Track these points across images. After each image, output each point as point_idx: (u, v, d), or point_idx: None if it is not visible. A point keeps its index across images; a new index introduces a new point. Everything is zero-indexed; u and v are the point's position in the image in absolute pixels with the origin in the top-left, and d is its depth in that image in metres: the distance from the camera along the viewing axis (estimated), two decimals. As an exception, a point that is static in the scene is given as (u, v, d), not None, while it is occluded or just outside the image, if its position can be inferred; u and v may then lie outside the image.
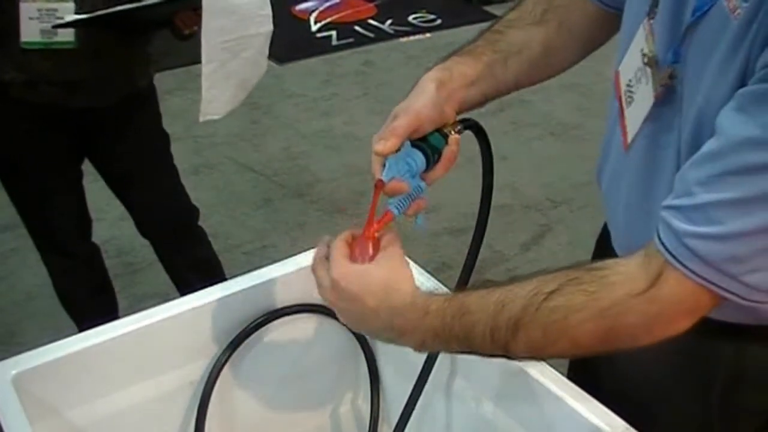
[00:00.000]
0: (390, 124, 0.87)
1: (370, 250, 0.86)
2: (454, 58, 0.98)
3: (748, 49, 0.68)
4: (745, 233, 0.67)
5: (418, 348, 0.83)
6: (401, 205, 0.88)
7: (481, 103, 0.99)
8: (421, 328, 0.80)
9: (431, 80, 0.93)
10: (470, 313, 0.78)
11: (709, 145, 0.70)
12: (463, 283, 0.96)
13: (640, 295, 0.71)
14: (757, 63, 0.67)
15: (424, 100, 0.90)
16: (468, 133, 0.94)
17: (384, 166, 0.87)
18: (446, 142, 0.90)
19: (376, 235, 0.86)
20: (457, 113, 0.95)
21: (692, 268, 0.69)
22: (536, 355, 0.80)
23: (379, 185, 0.85)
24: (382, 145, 0.85)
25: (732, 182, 0.67)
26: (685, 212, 0.70)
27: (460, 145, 0.91)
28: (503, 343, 0.76)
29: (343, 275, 0.83)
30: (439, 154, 0.89)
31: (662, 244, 0.71)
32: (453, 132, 0.91)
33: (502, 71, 0.98)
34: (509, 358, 0.79)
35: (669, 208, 0.72)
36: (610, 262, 0.75)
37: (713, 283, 0.69)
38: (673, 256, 0.70)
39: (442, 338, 0.80)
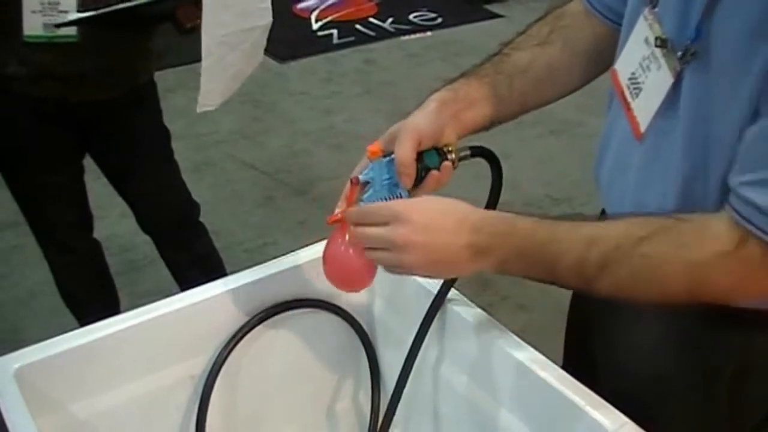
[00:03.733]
0: (396, 150, 0.88)
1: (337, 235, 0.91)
2: (460, 79, 0.98)
3: None
4: None
5: (498, 268, 0.82)
6: None
7: (486, 126, 0.99)
8: (506, 245, 0.80)
9: (434, 100, 0.94)
10: (559, 241, 0.79)
11: None
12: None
13: (729, 255, 0.74)
14: None
15: (423, 117, 0.91)
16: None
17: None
18: (440, 163, 0.90)
19: (334, 218, 0.90)
20: (461, 136, 0.95)
21: None
22: (620, 295, 0.80)
23: (354, 182, 0.89)
24: (406, 182, 0.88)
25: None
26: (763, 185, 0.72)
27: (450, 174, 0.91)
28: (589, 277, 0.78)
29: (411, 204, 0.84)
30: (428, 173, 0.90)
31: (743, 217, 0.73)
32: (452, 156, 0.91)
33: (508, 92, 0.99)
34: (589, 292, 0.80)
35: (744, 184, 0.74)
36: (697, 216, 0.77)
37: None
38: (759, 228, 0.72)
39: (525, 261, 0.80)
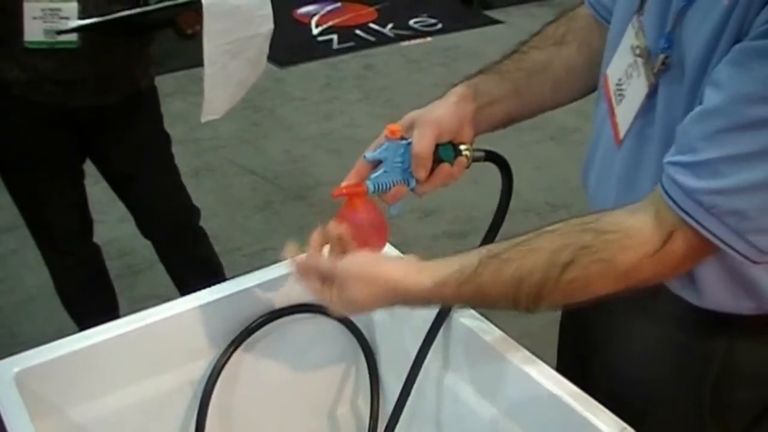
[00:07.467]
0: (416, 142, 0.89)
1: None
2: (480, 75, 0.98)
3: (742, 12, 0.70)
4: (748, 188, 0.69)
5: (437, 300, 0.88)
6: (380, 184, 0.89)
7: (504, 125, 0.99)
8: (434, 304, 0.89)
9: (454, 93, 0.94)
10: (488, 295, 0.80)
11: (710, 100, 0.71)
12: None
13: (655, 254, 0.75)
14: (755, 21, 0.68)
15: (444, 111, 0.92)
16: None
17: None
18: (454, 158, 0.91)
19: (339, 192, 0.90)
20: (478, 133, 0.95)
21: (706, 224, 0.72)
22: (557, 310, 0.86)
23: (362, 159, 0.89)
24: (421, 174, 0.89)
25: (735, 137, 0.69)
26: (692, 168, 0.72)
27: (462, 171, 0.92)
28: (527, 310, 0.81)
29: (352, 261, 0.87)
30: (439, 165, 0.90)
31: (672, 200, 0.73)
32: (466, 153, 0.91)
33: (527, 89, 0.99)
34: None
35: (674, 164, 0.73)
36: (617, 220, 0.77)
37: (723, 241, 0.72)
38: (687, 213, 0.72)
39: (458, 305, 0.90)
